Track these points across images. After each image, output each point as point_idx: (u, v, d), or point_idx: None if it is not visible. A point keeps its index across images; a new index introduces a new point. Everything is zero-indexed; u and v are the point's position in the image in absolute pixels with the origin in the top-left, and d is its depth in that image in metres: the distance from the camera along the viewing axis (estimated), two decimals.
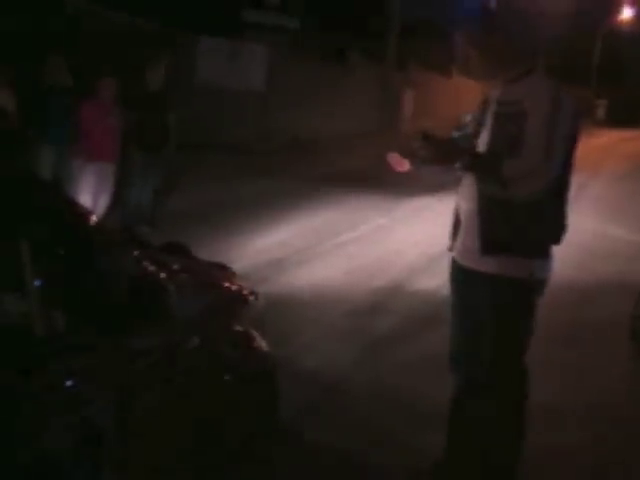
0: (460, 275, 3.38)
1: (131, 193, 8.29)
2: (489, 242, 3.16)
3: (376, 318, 6.08)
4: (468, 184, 3.24)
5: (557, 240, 3.23)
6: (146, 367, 2.37)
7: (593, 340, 5.79)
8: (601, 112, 42.34)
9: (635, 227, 10.79)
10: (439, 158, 3.08)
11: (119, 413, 2.13)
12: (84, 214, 2.48)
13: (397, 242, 8.94)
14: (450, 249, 3.46)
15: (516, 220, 3.11)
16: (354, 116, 22.57)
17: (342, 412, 4.32)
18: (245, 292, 3.34)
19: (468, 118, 3.41)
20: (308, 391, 4.41)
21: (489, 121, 3.20)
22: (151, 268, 2.44)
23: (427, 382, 4.79)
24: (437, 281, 7.27)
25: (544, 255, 3.24)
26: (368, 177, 14.50)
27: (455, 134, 3.43)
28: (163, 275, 2.43)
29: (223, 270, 3.48)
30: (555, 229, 3.21)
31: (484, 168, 3.08)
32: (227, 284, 3.27)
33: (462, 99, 34.83)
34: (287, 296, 6.25)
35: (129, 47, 12.42)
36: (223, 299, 3.13)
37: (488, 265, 3.20)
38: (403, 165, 3.45)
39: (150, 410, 2.33)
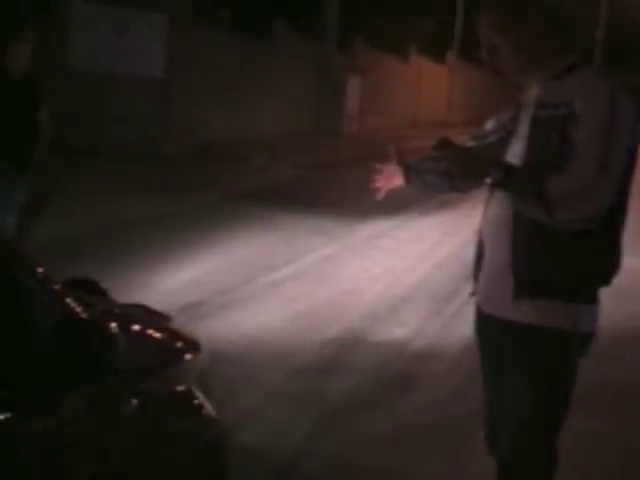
0: (487, 328, 3.46)
1: None
2: (525, 283, 3.22)
3: (331, 379, 6.23)
4: (498, 207, 3.31)
5: (608, 281, 3.31)
6: (78, 437, 2.50)
7: (611, 403, 6.08)
8: None
9: None
10: (465, 172, 3.16)
11: None
12: None
13: (350, 279, 9.15)
14: (473, 293, 3.52)
15: (561, 254, 3.17)
16: (283, 111, 22.73)
17: None
18: (185, 341, 3.49)
19: (489, 126, 3.49)
20: (253, 474, 4.55)
21: (524, 128, 3.26)
22: (84, 311, 2.58)
23: (398, 459, 4.97)
24: (404, 330, 7.51)
25: (591, 300, 3.32)
26: (307, 193, 14.75)
27: (470, 144, 3.49)
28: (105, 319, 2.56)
29: (154, 314, 3.62)
30: (607, 266, 3.28)
31: (523, 185, 3.11)
32: (163, 331, 3.42)
33: (424, 88, 35.54)
34: (212, 351, 6.35)
35: None
36: (160, 350, 3.28)
37: (522, 313, 3.26)
38: (393, 180, 3.59)
39: None
